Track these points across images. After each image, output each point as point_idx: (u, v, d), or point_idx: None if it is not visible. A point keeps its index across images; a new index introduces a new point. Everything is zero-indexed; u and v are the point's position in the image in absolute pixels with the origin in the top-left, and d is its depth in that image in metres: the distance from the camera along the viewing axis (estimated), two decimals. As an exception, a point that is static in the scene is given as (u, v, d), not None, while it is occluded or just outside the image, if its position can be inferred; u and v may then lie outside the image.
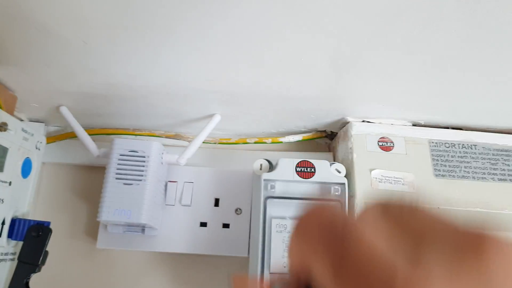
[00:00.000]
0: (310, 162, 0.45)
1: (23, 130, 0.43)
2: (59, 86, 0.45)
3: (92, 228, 0.54)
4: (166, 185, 0.51)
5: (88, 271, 0.53)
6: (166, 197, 0.51)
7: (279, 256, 0.43)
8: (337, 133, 0.55)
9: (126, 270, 0.53)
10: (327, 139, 0.58)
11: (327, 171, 0.45)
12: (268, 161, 0.47)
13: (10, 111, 0.45)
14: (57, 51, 0.38)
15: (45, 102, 0.50)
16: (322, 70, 0.39)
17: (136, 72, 0.42)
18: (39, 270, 0.41)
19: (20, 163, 0.44)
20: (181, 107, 0.50)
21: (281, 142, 0.56)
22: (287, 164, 0.45)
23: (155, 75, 0.42)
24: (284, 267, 0.43)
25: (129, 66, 0.41)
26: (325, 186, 0.44)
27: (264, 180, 0.44)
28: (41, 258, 0.40)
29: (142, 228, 0.49)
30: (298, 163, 0.45)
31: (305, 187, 0.44)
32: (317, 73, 0.40)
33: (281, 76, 0.41)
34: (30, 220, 0.42)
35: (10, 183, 0.42)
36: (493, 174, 0.47)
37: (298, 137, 0.56)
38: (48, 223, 0.42)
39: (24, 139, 0.44)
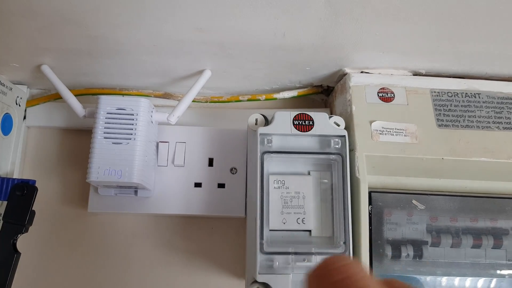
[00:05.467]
0: (308, 115, 0.43)
1: (0, 83, 0.41)
2: (38, 42, 0.42)
3: (83, 193, 0.52)
4: (157, 146, 0.49)
5: (79, 236, 0.51)
6: (158, 158, 0.49)
7: (277, 212, 0.41)
8: (333, 87, 0.53)
9: (119, 234, 0.52)
10: (323, 95, 0.56)
11: (326, 123, 0.43)
12: (264, 115, 0.44)
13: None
14: (32, -3, 0.35)
15: (25, 61, 0.47)
16: (318, 12, 0.37)
17: (119, 21, 0.39)
18: (26, 231, 0.39)
19: (-1, 118, 0.41)
20: (169, 62, 0.47)
21: (275, 99, 0.54)
22: (284, 117, 0.43)
23: (139, 24, 0.39)
24: (284, 223, 0.41)
25: (111, 15, 0.38)
26: (324, 139, 0.42)
27: (261, 134, 0.42)
28: (27, 218, 0.38)
29: (135, 190, 0.47)
30: (295, 116, 0.43)
31: (303, 140, 0.42)
32: (312, 16, 0.37)
33: (274, 20, 0.38)
34: (14, 179, 0.40)
35: (-11, 140, 0.40)
36: (498, 122, 0.45)
37: (293, 93, 0.53)
38: (34, 181, 0.39)
39: (2, 93, 0.41)
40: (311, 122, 0.42)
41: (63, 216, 0.52)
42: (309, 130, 0.42)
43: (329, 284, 0.18)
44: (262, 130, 0.42)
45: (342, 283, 0.18)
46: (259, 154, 0.41)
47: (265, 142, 0.42)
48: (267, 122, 0.44)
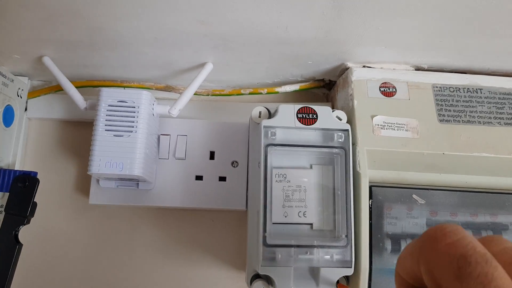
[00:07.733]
0: (311, 108, 0.43)
1: (1, 74, 0.40)
2: (40, 33, 0.42)
3: (84, 185, 0.52)
4: (158, 139, 0.49)
5: (80, 227, 0.51)
6: (159, 151, 0.49)
7: (279, 205, 0.41)
8: (335, 81, 0.53)
9: (120, 226, 0.52)
10: (325, 89, 0.56)
11: (330, 117, 0.43)
12: (267, 108, 0.44)
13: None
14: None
15: (27, 52, 0.46)
16: (321, 5, 0.37)
17: (120, 13, 0.38)
18: (28, 222, 0.39)
19: (1, 110, 0.41)
20: (170, 55, 0.47)
21: (277, 92, 0.54)
22: (288, 110, 0.43)
23: (140, 16, 0.39)
24: (285, 216, 0.41)
25: (113, 6, 0.37)
26: (328, 133, 0.42)
27: (264, 127, 0.42)
28: (29, 210, 0.38)
29: (136, 182, 0.47)
30: (299, 109, 0.43)
31: (307, 134, 0.42)
32: (315, 9, 0.37)
33: (277, 13, 0.38)
34: (16, 171, 0.40)
35: (-9, 132, 0.40)
36: (500, 118, 0.45)
37: (295, 87, 0.53)
38: (35, 173, 0.39)
39: (4, 85, 0.41)
40: (314, 116, 0.42)
41: (64, 207, 0.52)
42: (312, 124, 0.42)
43: (444, 246, 0.19)
44: (266, 122, 0.42)
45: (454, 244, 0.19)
46: (263, 147, 0.41)
47: (269, 135, 0.42)
48: (270, 115, 0.44)
